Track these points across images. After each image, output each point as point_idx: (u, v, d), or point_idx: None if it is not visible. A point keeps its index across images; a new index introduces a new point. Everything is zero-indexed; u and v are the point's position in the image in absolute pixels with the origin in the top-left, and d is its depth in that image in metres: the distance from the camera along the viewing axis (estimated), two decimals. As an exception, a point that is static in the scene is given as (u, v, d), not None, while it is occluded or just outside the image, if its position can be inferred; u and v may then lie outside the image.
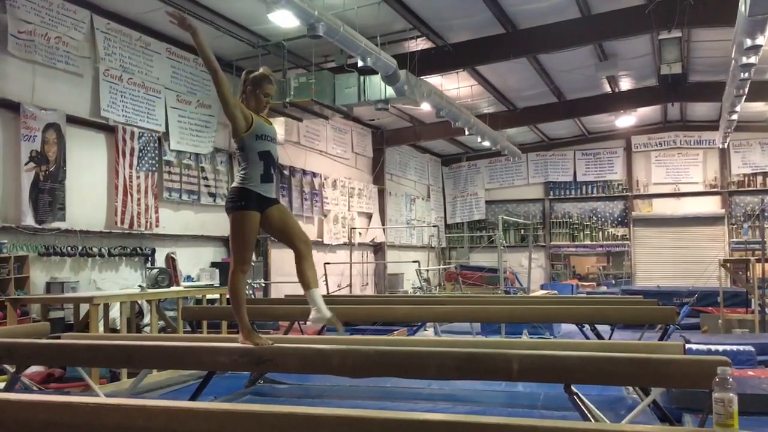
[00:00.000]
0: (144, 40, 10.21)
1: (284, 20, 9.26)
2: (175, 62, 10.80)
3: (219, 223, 11.90)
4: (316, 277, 4.41)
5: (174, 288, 8.81)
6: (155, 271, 9.37)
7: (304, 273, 4.31)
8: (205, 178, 11.49)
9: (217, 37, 10.68)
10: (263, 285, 12.50)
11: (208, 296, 9.13)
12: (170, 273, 9.65)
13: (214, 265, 11.46)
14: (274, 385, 6.97)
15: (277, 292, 12.58)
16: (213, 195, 11.63)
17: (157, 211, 10.32)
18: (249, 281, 11.73)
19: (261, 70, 4.59)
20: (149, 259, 10.09)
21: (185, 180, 11.07)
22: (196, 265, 11.18)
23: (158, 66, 10.47)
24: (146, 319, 8.78)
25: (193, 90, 11.17)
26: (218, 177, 11.79)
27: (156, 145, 10.38)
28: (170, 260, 10.41)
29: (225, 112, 4.33)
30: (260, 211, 4.26)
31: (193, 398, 5.02)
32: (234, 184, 4.35)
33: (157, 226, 10.31)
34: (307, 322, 4.54)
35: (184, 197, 11.04)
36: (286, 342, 4.74)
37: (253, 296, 11.40)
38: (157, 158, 10.38)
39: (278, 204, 4.43)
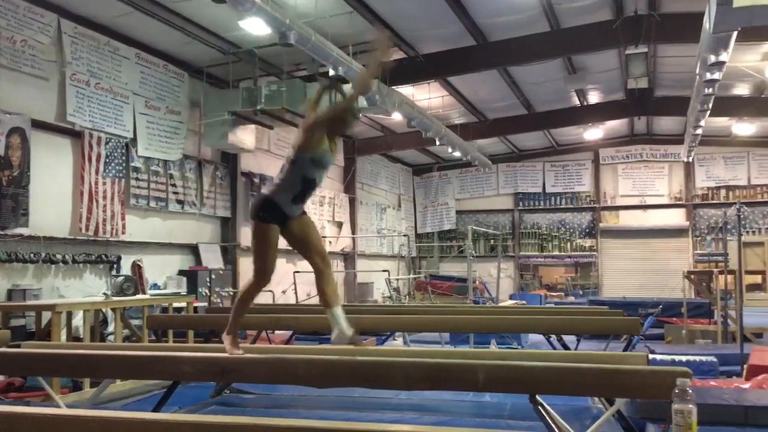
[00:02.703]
0: (112, 44, 10.09)
1: (255, 28, 9.23)
2: (144, 67, 10.69)
3: (187, 230, 11.79)
4: (337, 293, 4.28)
5: (139, 296, 8.70)
6: (120, 278, 9.25)
7: (323, 290, 4.21)
8: (174, 185, 11.36)
9: (187, 44, 10.63)
10: (231, 293, 12.37)
11: (175, 305, 9.02)
12: (136, 281, 9.54)
13: (181, 273, 11.35)
14: (240, 395, 6.89)
15: (245, 300, 12.44)
16: (181, 202, 11.50)
17: (123, 218, 10.17)
18: (217, 289, 11.64)
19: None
20: (114, 266, 9.93)
21: (153, 187, 10.94)
22: (163, 272, 11.04)
23: (127, 71, 10.35)
24: (110, 328, 8.65)
25: (162, 96, 11.06)
26: (187, 184, 11.67)
27: (123, 151, 10.25)
28: (136, 268, 10.26)
29: (310, 124, 4.16)
30: (281, 225, 4.15)
31: (156, 409, 4.94)
32: (264, 191, 4.23)
33: (123, 233, 10.16)
34: (331, 342, 4.37)
35: (152, 204, 10.90)
36: (253, 351, 4.70)
37: (220, 305, 11.29)
38: (124, 164, 10.25)
39: (302, 216, 4.29)
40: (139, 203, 10.63)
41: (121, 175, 10.16)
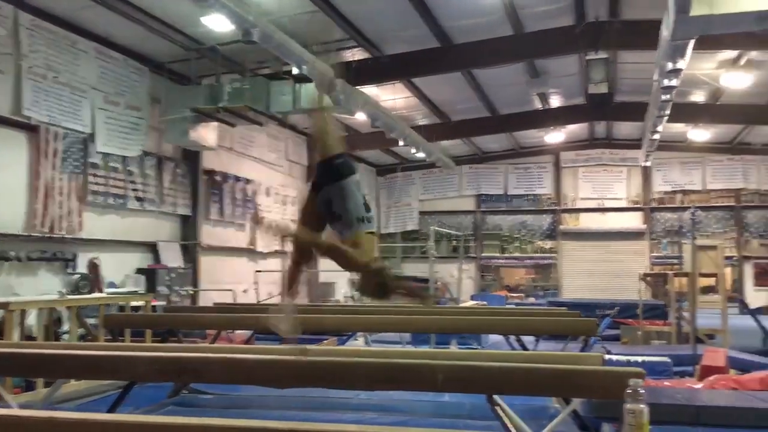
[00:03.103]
0: (71, 38, 9.88)
1: (218, 24, 9.12)
2: (103, 62, 10.49)
3: (146, 228, 11.61)
4: None
5: (96, 294, 8.54)
6: (76, 276, 9.08)
7: None
8: (133, 182, 11.18)
9: (148, 38, 10.48)
10: (191, 292, 12.24)
11: (133, 303, 8.87)
12: (92, 279, 9.37)
13: (140, 271, 11.18)
14: (198, 395, 6.80)
15: (205, 299, 12.33)
16: (140, 199, 11.32)
17: (80, 215, 9.97)
18: (176, 288, 11.49)
19: None
20: (70, 264, 9.73)
21: (112, 183, 10.75)
22: (120, 271, 10.86)
23: (85, 65, 10.15)
24: (65, 327, 8.46)
25: (122, 91, 10.87)
26: (146, 181, 11.49)
27: (81, 146, 10.05)
28: (93, 266, 10.06)
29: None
30: None
31: (111, 409, 4.85)
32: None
33: (80, 230, 9.96)
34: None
35: (110, 201, 10.71)
36: (213, 351, 4.65)
37: (180, 303, 11.15)
38: (82, 160, 10.05)
39: None
40: (97, 200, 10.43)
41: (78, 170, 9.96)
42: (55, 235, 9.51)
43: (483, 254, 21.96)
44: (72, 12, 9.57)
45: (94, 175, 10.41)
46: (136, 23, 9.89)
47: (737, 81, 13.25)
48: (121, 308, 8.70)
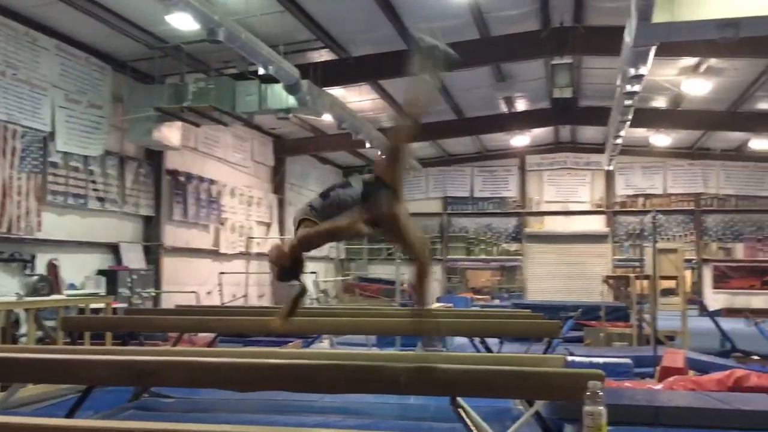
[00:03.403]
0: (31, 35, 9.66)
1: (183, 23, 9.00)
2: (64, 59, 10.29)
3: (107, 229, 11.42)
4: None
5: (55, 296, 8.36)
6: (35, 278, 8.89)
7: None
8: (94, 182, 10.98)
9: (111, 36, 10.31)
10: (153, 294, 12.06)
11: (93, 306, 8.70)
12: (51, 280, 9.18)
13: (101, 273, 10.98)
14: (159, 399, 6.69)
15: (167, 301, 12.16)
16: (102, 200, 11.13)
17: (39, 215, 9.76)
18: (138, 290, 11.31)
19: None
20: (28, 265, 9.51)
21: (72, 183, 10.54)
22: (81, 272, 10.65)
23: (46, 63, 9.94)
24: (23, 330, 8.28)
25: (84, 89, 10.67)
26: (108, 181, 11.29)
27: (41, 145, 9.84)
28: (52, 267, 9.85)
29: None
30: None
31: (69, 414, 4.75)
32: None
33: (38, 230, 9.74)
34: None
35: (70, 201, 10.50)
36: (174, 355, 4.58)
37: (142, 306, 10.99)
38: (41, 159, 9.84)
39: None
40: (56, 200, 10.22)
41: (37, 170, 9.75)
42: (12, 236, 9.29)
43: (449, 256, 22.06)
44: (32, 8, 9.36)
45: (54, 175, 10.19)
46: (98, 21, 9.72)
47: (697, 88, 13.54)
48: (81, 311, 8.52)
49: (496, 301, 19.03)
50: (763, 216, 20.45)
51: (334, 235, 3.76)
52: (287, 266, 3.51)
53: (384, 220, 3.60)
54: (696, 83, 13.33)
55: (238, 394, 5.92)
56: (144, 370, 3.99)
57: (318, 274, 15.46)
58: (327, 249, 19.50)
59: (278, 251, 3.51)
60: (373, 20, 10.66)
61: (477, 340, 7.30)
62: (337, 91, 13.10)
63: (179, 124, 11.87)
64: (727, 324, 10.99)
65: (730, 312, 17.31)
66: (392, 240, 3.74)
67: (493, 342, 8.09)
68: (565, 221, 21.44)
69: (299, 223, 3.58)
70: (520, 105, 16.73)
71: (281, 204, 17.82)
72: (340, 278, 18.61)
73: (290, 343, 9.83)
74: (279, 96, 11.09)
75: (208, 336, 8.40)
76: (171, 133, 11.74)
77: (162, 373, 4.00)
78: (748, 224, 20.52)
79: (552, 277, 20.78)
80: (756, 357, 9.20)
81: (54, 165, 10.17)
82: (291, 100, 10.97)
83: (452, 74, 13.51)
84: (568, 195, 21.51)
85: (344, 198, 3.62)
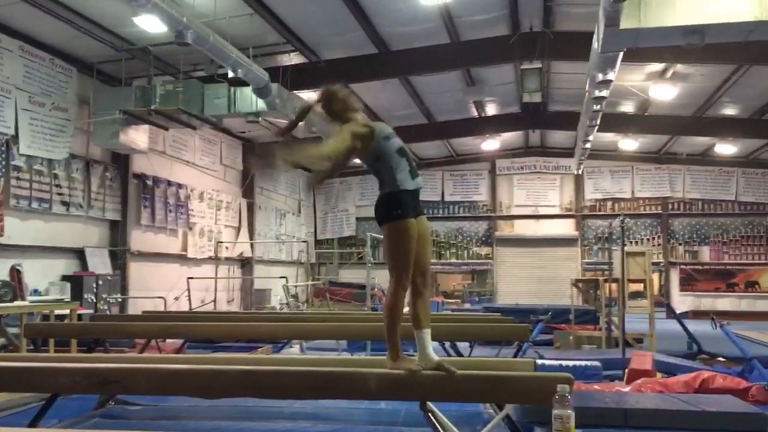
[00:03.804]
0: (-7, 35, 9.48)
1: (151, 25, 8.90)
2: (28, 61, 10.09)
3: (73, 233, 11.21)
4: (429, 314, 3.92)
5: (18, 303, 8.17)
6: (-4, 284, 8.65)
7: (417, 311, 3.85)
8: (59, 186, 10.78)
9: (76, 38, 10.14)
10: (120, 300, 11.87)
11: (57, 312, 8.54)
12: (14, 286, 8.96)
13: (65, 278, 10.78)
14: (126, 406, 6.56)
15: (134, 307, 11.97)
16: (66, 204, 10.92)
17: (2, 220, 9.55)
18: (104, 296, 11.12)
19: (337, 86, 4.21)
20: (-9, 271, 9.30)
21: (36, 187, 10.33)
22: (45, 278, 10.43)
23: (9, 64, 9.74)
24: (-16, 337, 8.08)
25: (48, 92, 10.47)
26: (73, 185, 11.09)
27: (3, 148, 9.64)
28: (15, 272, 9.63)
29: (346, 150, 3.90)
30: (415, 218, 3.81)
31: (33, 423, 4.63)
32: (384, 191, 3.88)
33: (1, 235, 9.53)
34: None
35: (34, 205, 10.30)
36: (140, 361, 4.50)
37: (108, 312, 10.80)
38: (3, 163, 9.62)
39: (425, 217, 3.97)
40: (19, 204, 10.01)
41: (0, 174, 9.53)
42: (-27, 241, 9.08)
43: (420, 260, 22.03)
44: (-6, 8, 9.17)
45: (17, 179, 9.99)
46: (64, 22, 9.56)
47: (664, 93, 13.75)
48: (45, 317, 8.37)
49: (467, 305, 19.08)
50: (728, 219, 20.84)
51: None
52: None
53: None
54: (663, 89, 13.54)
55: (206, 401, 5.83)
56: (110, 378, 3.91)
57: (288, 279, 15.35)
58: (297, 253, 19.39)
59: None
60: (343, 24, 10.64)
61: (448, 344, 7.29)
62: (307, 95, 13.02)
63: (146, 127, 11.72)
64: (694, 326, 11.14)
65: (697, 314, 17.62)
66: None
67: (463, 346, 8.10)
68: (535, 225, 21.61)
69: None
70: (491, 109, 16.83)
71: (251, 208, 17.67)
72: (311, 283, 18.50)
73: (260, 349, 9.74)
74: (248, 99, 11.01)
75: (176, 342, 8.29)
76: (138, 136, 11.58)
77: (128, 380, 3.93)
78: (714, 227, 20.88)
79: (522, 281, 20.93)
80: (722, 359, 9.35)
81: (17, 169, 9.97)
82: (260, 104, 10.89)
83: (423, 78, 13.58)
84: (538, 199, 21.69)
85: None
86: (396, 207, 3.79)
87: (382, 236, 3.93)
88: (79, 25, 9.73)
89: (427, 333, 3.81)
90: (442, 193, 22.00)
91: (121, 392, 5.03)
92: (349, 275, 19.11)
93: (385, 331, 3.83)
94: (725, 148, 18.88)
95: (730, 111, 15.57)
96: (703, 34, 7.19)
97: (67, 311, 8.62)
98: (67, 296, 10.10)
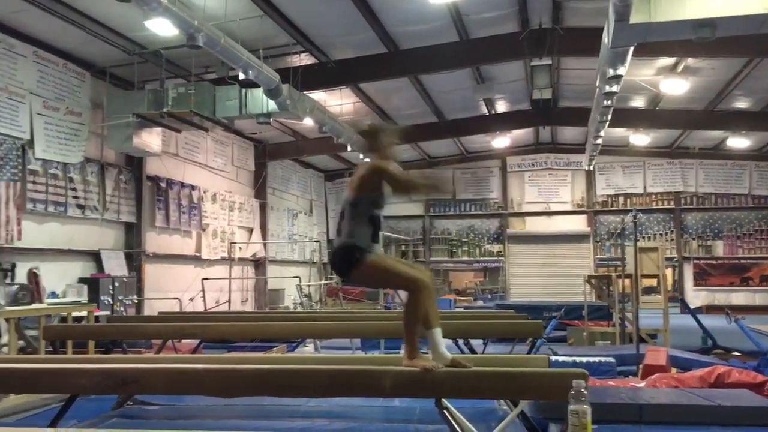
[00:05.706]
0: (8, 41, 9.57)
1: (162, 28, 8.96)
2: (42, 66, 10.20)
3: (89, 236, 11.33)
4: (437, 313, 4.03)
5: (36, 305, 8.27)
6: (15, 287, 8.77)
7: (426, 312, 3.95)
8: (74, 189, 10.88)
9: (89, 42, 10.23)
10: (136, 301, 11.97)
11: (75, 314, 8.63)
12: (32, 289, 9.07)
13: (82, 280, 10.88)
14: (143, 406, 6.64)
15: (150, 308, 12.08)
16: (82, 207, 11.03)
17: (19, 224, 9.66)
18: (120, 297, 11.22)
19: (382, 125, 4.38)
20: (9, 274, 9.39)
21: (51, 191, 10.43)
22: (62, 280, 10.54)
23: (23, 70, 9.85)
24: (4, 339, 8.18)
25: (62, 96, 10.58)
26: (88, 188, 11.20)
27: (19, 153, 9.74)
28: (33, 276, 9.73)
29: (380, 171, 4.13)
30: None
31: (52, 424, 4.70)
32: (344, 241, 4.02)
33: (18, 239, 9.65)
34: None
35: (50, 209, 10.40)
36: (157, 362, 4.56)
37: (124, 313, 10.90)
38: (20, 167, 9.74)
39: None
40: (36, 208, 10.12)
41: (16, 178, 9.65)
42: (-9, 245, 9.19)
43: (432, 258, 22.10)
44: (9, 15, 9.27)
45: (34, 183, 10.10)
46: (77, 27, 9.64)
47: (675, 87, 13.68)
48: (63, 319, 8.46)
49: (480, 302, 19.06)
50: (741, 213, 20.70)
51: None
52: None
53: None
54: (674, 83, 13.47)
55: (223, 400, 5.88)
56: (127, 378, 3.97)
57: (301, 279, 15.41)
58: (310, 253, 19.46)
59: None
60: (353, 24, 10.67)
61: (461, 341, 7.31)
62: (317, 95, 13.10)
63: (159, 129, 11.80)
64: (708, 321, 11.11)
65: (711, 309, 17.52)
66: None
67: (477, 343, 8.12)
68: (546, 221, 21.57)
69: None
70: (501, 106, 16.81)
71: (263, 208, 17.76)
72: (324, 282, 18.56)
73: (274, 348, 9.80)
74: (259, 100, 11.07)
75: (192, 342, 8.36)
76: (151, 139, 11.66)
77: (146, 380, 3.99)
78: (728, 222, 20.75)
79: (534, 278, 20.89)
80: (737, 353, 9.32)
81: (33, 173, 10.08)
82: (271, 105, 10.95)
83: (432, 77, 13.60)
84: (550, 195, 21.64)
85: None
86: (353, 254, 3.94)
87: (353, 285, 4.12)
88: (92, 29, 9.82)
89: (438, 332, 3.85)
90: (453, 191, 21.99)
91: (140, 392, 5.09)
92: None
93: (405, 330, 3.90)
94: (738, 142, 18.75)
95: (742, 104, 15.47)
96: (714, 27, 7.17)
97: (84, 313, 8.71)
98: (84, 298, 10.20)
